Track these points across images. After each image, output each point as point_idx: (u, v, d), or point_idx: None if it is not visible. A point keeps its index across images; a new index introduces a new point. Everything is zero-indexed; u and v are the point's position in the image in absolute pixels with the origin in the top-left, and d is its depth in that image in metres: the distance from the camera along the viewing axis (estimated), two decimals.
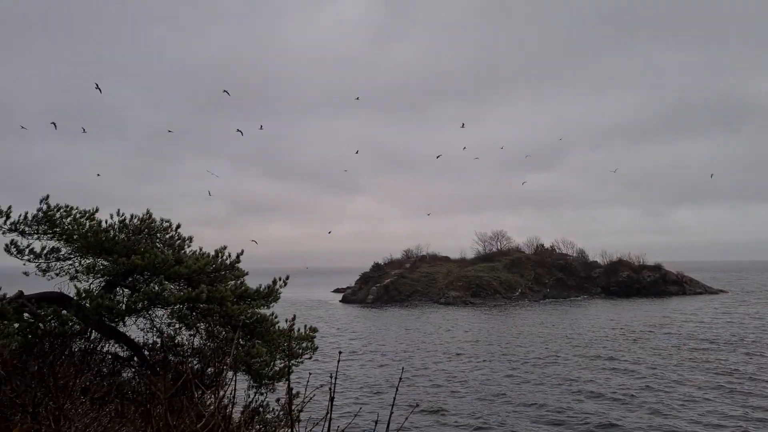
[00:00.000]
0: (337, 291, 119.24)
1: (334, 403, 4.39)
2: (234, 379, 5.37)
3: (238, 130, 33.46)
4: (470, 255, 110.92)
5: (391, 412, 4.37)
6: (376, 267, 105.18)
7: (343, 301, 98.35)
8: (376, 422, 4.33)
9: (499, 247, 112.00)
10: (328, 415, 4.31)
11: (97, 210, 11.82)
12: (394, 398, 4.65)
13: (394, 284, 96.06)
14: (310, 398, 4.77)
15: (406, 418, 4.87)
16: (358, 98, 77.53)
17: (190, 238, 12.72)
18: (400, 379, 5.27)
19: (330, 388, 4.31)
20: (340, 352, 5.50)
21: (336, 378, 4.31)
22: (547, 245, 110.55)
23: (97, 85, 24.59)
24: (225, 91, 34.77)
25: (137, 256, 11.09)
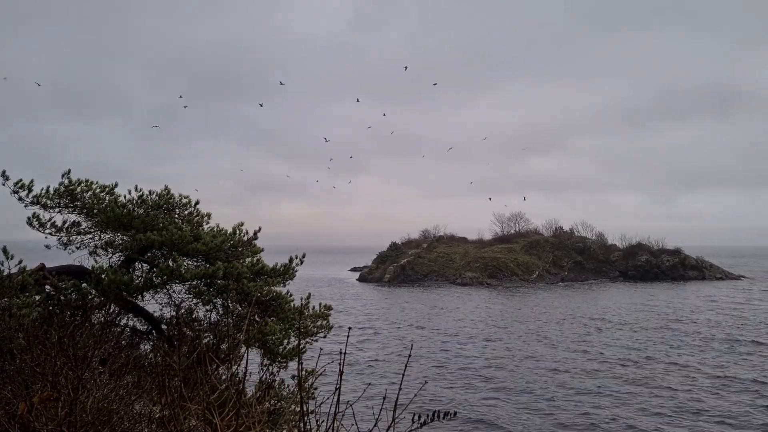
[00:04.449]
0: (354, 270, 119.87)
1: (343, 378, 4.47)
2: (246, 354, 5.47)
3: (280, 83, 34.20)
4: (488, 236, 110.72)
5: (400, 388, 4.44)
6: (394, 246, 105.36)
7: (360, 279, 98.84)
8: (384, 398, 4.41)
9: (517, 229, 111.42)
10: (337, 389, 4.39)
11: (116, 185, 11.82)
12: (403, 374, 4.72)
13: (411, 264, 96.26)
14: (321, 374, 4.86)
15: (415, 394, 4.95)
16: (406, 67, 75.80)
17: (209, 215, 12.76)
18: (409, 356, 5.33)
19: (339, 363, 4.39)
20: (349, 328, 5.58)
21: (345, 353, 4.38)
22: (565, 228, 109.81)
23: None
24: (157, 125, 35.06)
25: (154, 233, 11.21)
